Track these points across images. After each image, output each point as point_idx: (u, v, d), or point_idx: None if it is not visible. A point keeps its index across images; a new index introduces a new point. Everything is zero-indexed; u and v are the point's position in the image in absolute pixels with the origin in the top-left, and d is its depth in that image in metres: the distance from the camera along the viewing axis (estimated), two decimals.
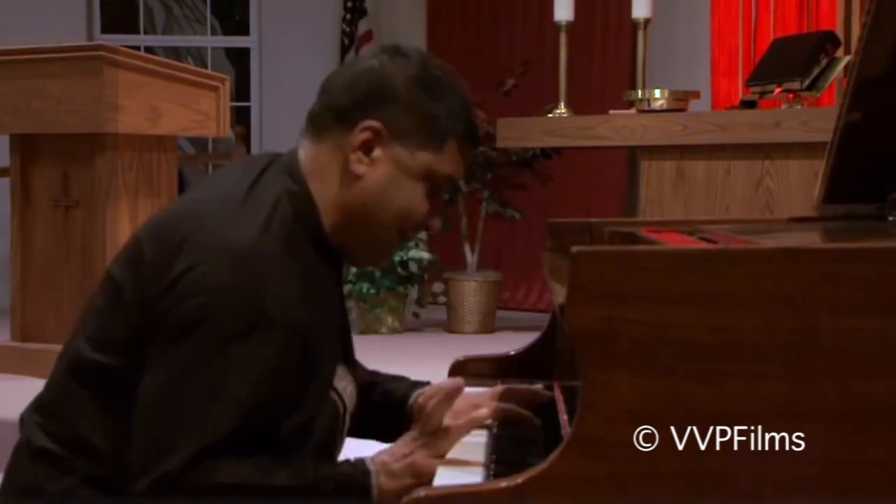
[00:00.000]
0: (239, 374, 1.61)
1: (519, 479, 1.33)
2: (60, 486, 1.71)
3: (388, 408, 1.99)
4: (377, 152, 1.74)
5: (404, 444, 1.73)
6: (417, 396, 1.95)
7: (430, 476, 1.65)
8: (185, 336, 1.61)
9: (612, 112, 5.34)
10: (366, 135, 1.73)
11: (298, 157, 1.78)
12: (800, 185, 4.59)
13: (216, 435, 1.60)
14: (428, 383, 2.00)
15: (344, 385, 1.82)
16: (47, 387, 1.81)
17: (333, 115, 1.76)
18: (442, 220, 1.85)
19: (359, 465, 1.69)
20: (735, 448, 1.31)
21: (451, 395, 1.74)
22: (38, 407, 1.79)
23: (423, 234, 7.13)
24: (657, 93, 5.17)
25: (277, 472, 1.63)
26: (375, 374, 2.04)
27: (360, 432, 1.99)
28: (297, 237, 1.70)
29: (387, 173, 1.74)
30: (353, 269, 6.34)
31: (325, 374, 1.75)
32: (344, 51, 8.31)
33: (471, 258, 6.88)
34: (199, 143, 8.75)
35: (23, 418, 1.81)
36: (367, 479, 1.67)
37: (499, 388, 2.00)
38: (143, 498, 1.60)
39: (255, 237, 1.65)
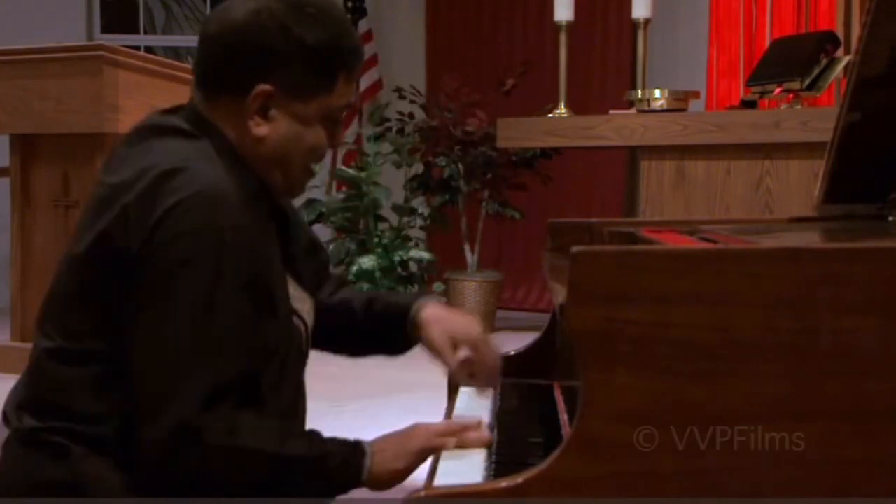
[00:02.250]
0: (231, 315, 1.64)
1: (519, 479, 1.33)
2: (60, 472, 1.70)
3: (389, 321, 2.01)
4: (273, 112, 1.77)
5: (403, 431, 1.75)
6: (419, 309, 1.98)
7: (422, 458, 1.69)
8: (173, 280, 1.63)
9: (612, 112, 5.34)
10: (258, 101, 1.76)
11: (200, 111, 1.80)
12: (800, 185, 4.59)
13: (226, 376, 1.63)
14: (426, 296, 2.05)
15: (300, 306, 1.86)
16: (24, 376, 1.82)
17: (219, 82, 1.79)
18: (341, 135, 1.88)
19: (358, 445, 1.71)
20: (735, 448, 1.31)
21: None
22: (19, 397, 1.80)
23: (421, 235, 7.13)
24: (657, 93, 5.17)
25: (290, 441, 1.67)
26: (370, 292, 2.08)
27: (364, 349, 2.06)
28: (238, 180, 1.73)
29: (286, 128, 1.78)
30: (354, 269, 6.33)
31: (286, 302, 1.79)
32: None
33: (471, 258, 6.87)
34: None
35: (6, 412, 1.81)
36: (362, 458, 1.69)
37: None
38: (161, 445, 1.61)
39: (214, 177, 1.69)
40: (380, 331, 2.02)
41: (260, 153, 1.78)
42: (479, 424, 1.73)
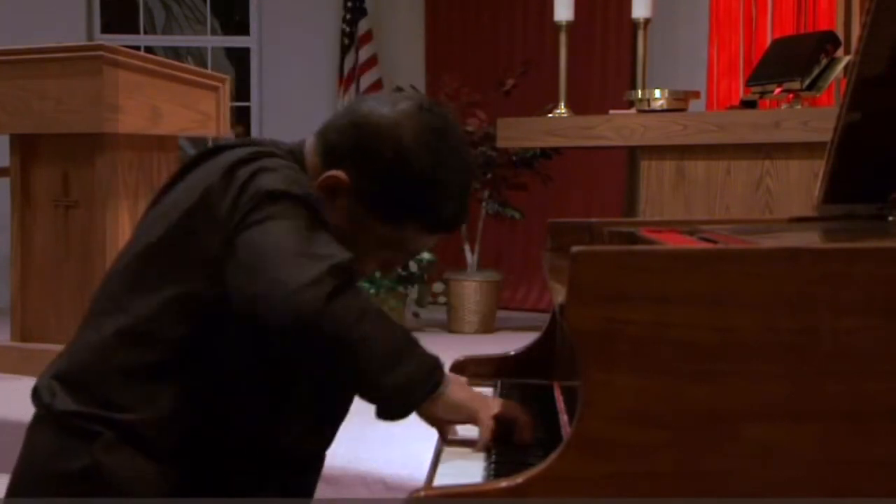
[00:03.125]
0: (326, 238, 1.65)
1: (519, 479, 1.33)
2: (84, 460, 1.70)
3: None
4: (339, 201, 1.78)
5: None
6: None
7: (488, 413, 1.67)
8: (265, 215, 1.64)
9: (612, 112, 5.34)
10: (328, 181, 1.78)
11: (304, 153, 1.83)
12: (800, 185, 4.59)
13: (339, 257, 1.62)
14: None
15: None
16: (69, 358, 1.80)
17: (323, 145, 1.81)
18: (396, 272, 1.88)
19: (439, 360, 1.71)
20: (735, 448, 1.31)
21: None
22: (61, 378, 1.79)
23: None
24: (657, 93, 5.17)
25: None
26: None
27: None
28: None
29: (342, 221, 1.78)
30: None
31: None
32: (344, 51, 8.30)
33: (471, 258, 6.87)
34: (199, 143, 8.76)
35: (39, 390, 1.80)
36: (442, 370, 1.67)
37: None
38: (323, 279, 1.57)
39: (292, 173, 1.72)
40: None
41: None
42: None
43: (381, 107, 1.80)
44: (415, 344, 1.66)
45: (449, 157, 1.77)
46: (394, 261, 1.86)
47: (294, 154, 1.82)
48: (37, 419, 1.79)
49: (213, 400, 1.71)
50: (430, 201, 1.77)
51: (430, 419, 1.68)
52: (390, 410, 1.64)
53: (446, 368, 2.18)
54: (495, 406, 1.71)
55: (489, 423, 1.68)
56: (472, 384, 2.07)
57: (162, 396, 1.71)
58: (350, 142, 1.77)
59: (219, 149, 1.83)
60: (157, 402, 1.71)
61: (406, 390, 1.62)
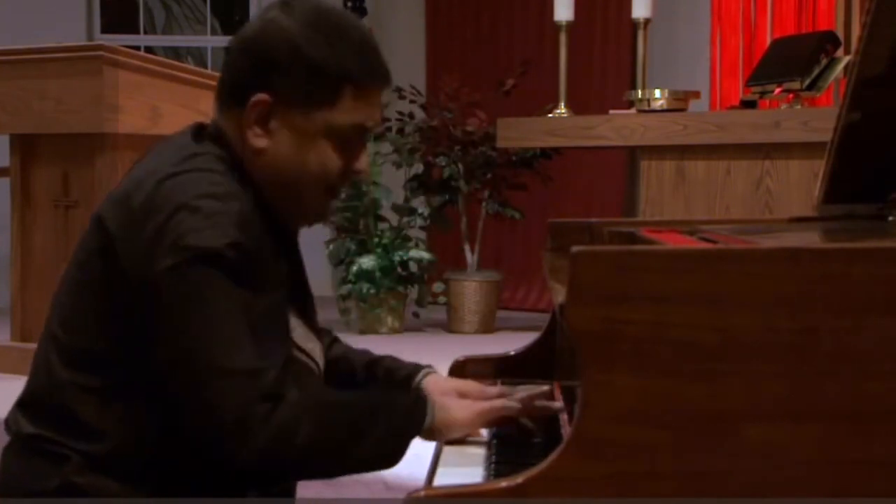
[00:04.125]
0: (247, 309, 1.63)
1: (519, 479, 1.33)
2: (56, 478, 1.70)
3: (390, 387, 2.00)
4: (273, 123, 1.75)
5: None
6: (424, 376, 1.97)
7: (485, 419, 1.74)
8: (181, 287, 1.61)
9: (612, 112, 5.34)
10: (255, 109, 1.75)
11: (218, 126, 1.80)
12: (800, 185, 4.59)
13: (278, 354, 1.63)
14: (429, 366, 2.03)
15: (311, 346, 1.85)
16: (28, 386, 1.80)
17: (228, 93, 1.78)
18: (369, 163, 1.85)
19: (420, 391, 1.77)
20: (735, 448, 1.31)
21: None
22: (22, 402, 1.79)
23: (421, 235, 7.14)
24: (657, 93, 5.17)
25: (355, 392, 1.71)
26: (366, 352, 2.05)
27: None
28: (244, 195, 1.71)
29: (287, 140, 1.75)
30: (354, 269, 6.33)
31: (284, 319, 1.76)
32: None
33: (471, 258, 6.87)
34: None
35: (7, 420, 1.80)
36: (425, 403, 1.71)
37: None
38: (241, 431, 1.58)
39: (214, 188, 1.67)
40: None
41: (264, 170, 1.76)
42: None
43: (253, 22, 1.81)
44: (376, 406, 1.68)
45: (331, 26, 1.77)
46: (354, 153, 1.79)
47: (211, 136, 1.78)
48: (9, 444, 1.79)
49: (169, 419, 1.67)
50: (345, 62, 1.74)
51: (452, 429, 1.74)
52: (379, 468, 1.70)
53: (446, 369, 2.20)
54: (481, 403, 1.78)
55: (507, 407, 1.75)
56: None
57: (117, 420, 1.68)
58: (248, 67, 1.76)
59: (164, 140, 1.82)
60: (114, 426, 1.68)
61: (382, 454, 1.67)
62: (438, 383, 1.95)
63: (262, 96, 1.74)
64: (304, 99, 1.74)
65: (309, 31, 1.74)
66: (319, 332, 1.93)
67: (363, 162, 1.80)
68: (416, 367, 2.02)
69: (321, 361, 1.87)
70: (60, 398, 1.72)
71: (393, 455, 1.67)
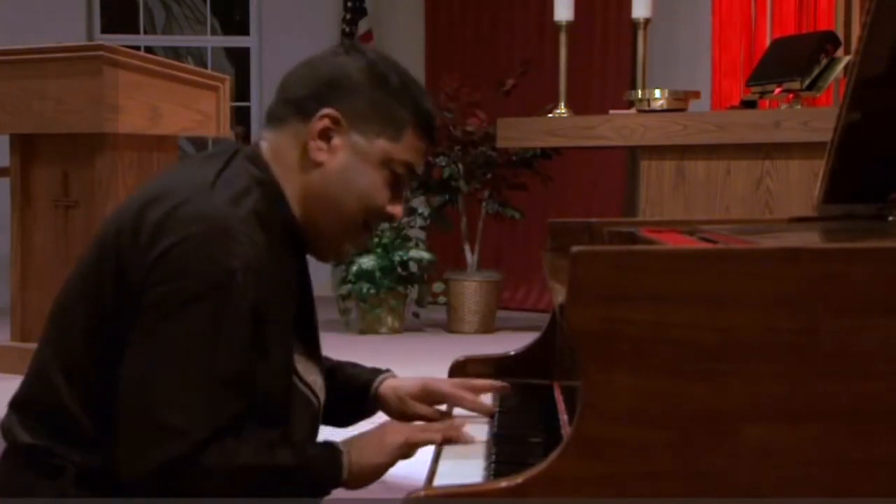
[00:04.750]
0: (232, 354, 1.62)
1: (519, 479, 1.33)
2: (52, 491, 1.70)
3: (350, 394, 2.01)
4: (336, 140, 1.77)
5: (378, 429, 1.78)
6: (381, 381, 1.99)
7: (403, 452, 1.73)
8: (173, 314, 1.61)
9: (612, 112, 5.34)
10: (324, 122, 1.76)
11: (261, 148, 1.80)
12: (800, 185, 4.59)
13: (225, 415, 1.62)
14: (388, 370, 2.04)
15: (314, 378, 1.85)
16: (23, 385, 1.80)
17: (292, 106, 1.79)
18: (404, 210, 1.87)
19: (333, 445, 1.73)
20: (735, 448, 1.31)
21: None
22: (17, 405, 1.79)
23: (421, 235, 7.13)
24: (657, 93, 5.17)
25: (279, 450, 1.66)
26: (328, 358, 2.04)
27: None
28: (266, 220, 1.71)
29: (346, 160, 1.77)
30: (354, 269, 6.33)
31: (285, 354, 1.76)
32: None
33: (471, 258, 6.87)
34: (199, 143, 8.76)
35: (2, 425, 1.80)
36: (339, 457, 1.70)
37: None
38: (154, 479, 1.60)
39: (231, 216, 1.67)
40: (337, 401, 1.98)
41: (313, 185, 1.77)
42: (459, 425, 1.79)
43: (320, 55, 1.84)
44: (287, 476, 1.67)
45: (397, 71, 1.83)
46: (399, 192, 1.82)
47: (249, 156, 1.78)
48: (5, 454, 1.78)
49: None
50: (412, 99, 1.80)
51: (373, 476, 1.74)
52: None
53: (446, 369, 2.20)
54: (402, 429, 1.78)
55: (425, 437, 1.76)
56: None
57: (109, 435, 1.67)
58: (318, 83, 1.78)
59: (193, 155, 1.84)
60: (107, 441, 1.67)
61: (323, 489, 1.70)
62: (396, 388, 1.98)
63: (331, 111, 1.76)
64: (372, 124, 1.77)
65: (386, 65, 1.81)
66: (321, 361, 1.93)
67: (400, 210, 1.84)
68: (375, 373, 2.03)
69: (322, 395, 1.88)
70: (57, 405, 1.71)
71: None
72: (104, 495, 1.68)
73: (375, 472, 1.73)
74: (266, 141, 1.80)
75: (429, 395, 1.97)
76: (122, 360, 1.65)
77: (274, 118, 1.81)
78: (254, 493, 1.64)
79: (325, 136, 1.77)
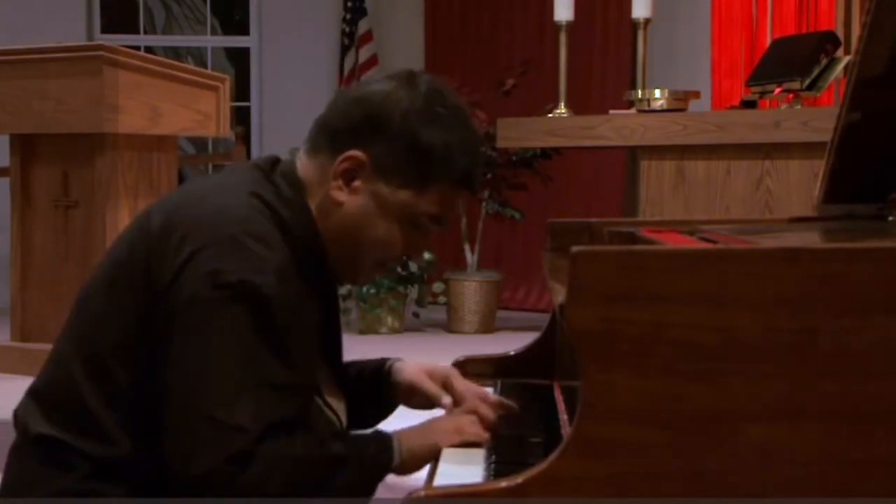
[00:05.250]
0: (275, 356, 1.63)
1: (519, 479, 1.33)
2: (62, 485, 1.70)
3: (365, 382, 2.01)
4: (357, 183, 1.75)
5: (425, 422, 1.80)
6: (392, 363, 2.00)
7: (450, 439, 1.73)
8: (211, 320, 1.61)
9: (612, 112, 5.34)
10: (346, 164, 1.74)
11: (297, 167, 1.80)
12: (800, 185, 4.59)
13: (279, 413, 1.62)
14: (396, 358, 2.05)
15: (337, 403, 1.86)
16: (44, 376, 1.80)
17: (326, 136, 1.78)
18: (424, 253, 1.86)
19: (383, 432, 1.75)
20: (735, 448, 1.31)
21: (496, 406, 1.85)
22: (34, 394, 1.79)
23: None
24: (657, 93, 5.17)
25: (329, 442, 1.68)
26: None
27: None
28: (294, 237, 1.72)
29: (364, 205, 1.76)
30: None
31: (310, 365, 1.75)
32: (344, 51, 8.31)
33: (471, 258, 6.87)
34: (199, 143, 8.76)
35: (17, 413, 1.80)
36: (391, 442, 1.71)
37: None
38: (215, 477, 1.58)
39: (261, 229, 1.67)
40: (354, 395, 1.98)
41: (331, 221, 1.76)
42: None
43: (375, 83, 1.80)
44: (344, 459, 1.67)
45: (451, 113, 1.76)
46: (419, 240, 1.80)
47: (283, 173, 1.78)
48: (15, 446, 1.78)
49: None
50: (448, 156, 1.74)
51: (408, 474, 1.75)
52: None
53: (446, 364, 2.20)
54: (448, 423, 1.79)
55: (462, 436, 1.74)
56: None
57: (129, 425, 1.68)
58: (356, 120, 1.74)
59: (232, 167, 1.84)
60: (125, 435, 1.68)
61: (352, 491, 1.68)
62: (406, 368, 1.99)
63: (358, 154, 1.74)
64: (397, 174, 1.74)
65: (427, 110, 1.74)
66: (344, 388, 1.93)
67: (421, 252, 1.83)
68: (382, 359, 2.04)
69: (344, 418, 1.89)
70: (76, 396, 1.71)
71: (363, 494, 1.70)
72: (117, 492, 1.68)
73: (426, 452, 1.73)
74: (300, 160, 1.80)
75: (444, 385, 1.95)
76: (149, 359, 1.65)
77: (311, 141, 1.80)
78: (312, 484, 1.64)
79: (346, 176, 1.75)
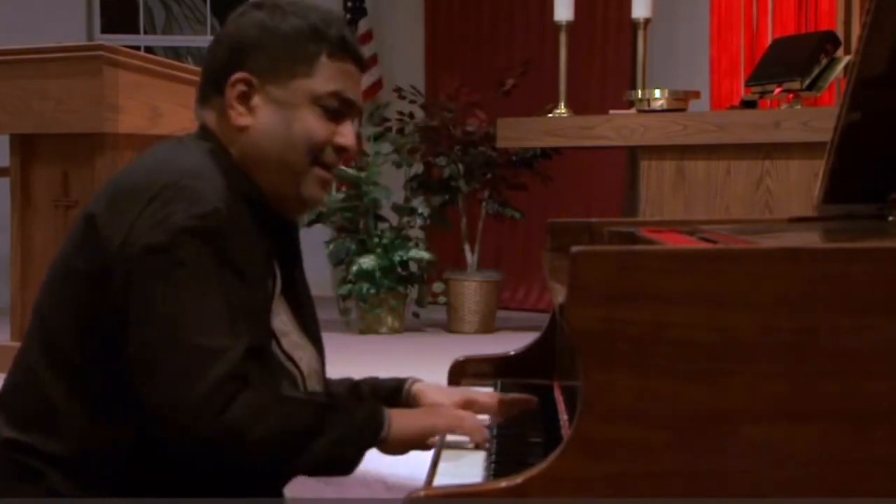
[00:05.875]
0: (239, 284, 1.65)
1: (519, 479, 1.33)
2: (35, 493, 1.68)
3: (381, 399, 1.99)
4: (255, 100, 1.79)
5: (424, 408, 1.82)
6: (412, 384, 1.97)
7: (440, 430, 1.72)
8: (171, 261, 1.62)
9: (612, 112, 5.34)
10: (235, 89, 1.78)
11: (205, 126, 1.84)
12: (800, 185, 4.59)
13: (254, 336, 1.64)
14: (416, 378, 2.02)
15: (300, 355, 1.83)
16: (6, 380, 1.79)
17: (208, 82, 1.83)
18: (356, 140, 1.85)
19: (378, 404, 1.76)
20: (735, 448, 1.31)
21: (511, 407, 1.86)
22: (2, 400, 1.78)
23: (421, 235, 7.13)
24: (657, 93, 5.17)
25: (316, 395, 1.71)
26: (348, 378, 2.03)
27: None
28: (230, 184, 1.73)
29: (270, 114, 1.78)
30: (354, 269, 6.33)
31: (260, 312, 1.75)
32: None
33: (471, 258, 6.87)
34: None
35: None
36: (382, 413, 1.71)
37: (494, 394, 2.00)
38: (210, 402, 1.58)
39: (199, 171, 1.71)
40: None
41: (251, 149, 1.78)
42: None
43: (225, 23, 1.87)
44: (333, 409, 1.69)
45: (296, 3, 1.82)
46: (339, 127, 1.81)
47: (196, 135, 1.83)
48: None
49: (144, 425, 1.66)
50: (313, 31, 1.78)
51: (396, 453, 1.73)
52: (330, 473, 1.72)
53: (446, 369, 2.20)
54: (448, 410, 1.79)
55: (461, 425, 1.73)
56: (472, 384, 2.08)
57: (93, 427, 1.67)
58: (221, 54, 1.81)
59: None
60: (92, 427, 1.67)
61: (336, 456, 1.66)
62: (430, 391, 1.96)
63: (240, 74, 1.78)
64: (281, 71, 1.78)
65: (277, 11, 1.80)
66: (319, 341, 1.91)
67: (349, 137, 1.82)
68: (402, 380, 2.01)
69: (307, 371, 1.84)
70: (40, 394, 1.71)
71: (348, 460, 1.67)
72: (86, 493, 1.67)
73: (417, 433, 1.71)
74: (201, 120, 1.85)
75: (465, 405, 1.93)
76: (108, 334, 1.65)
77: (200, 98, 1.85)
78: (302, 426, 1.64)
79: (242, 99, 1.79)
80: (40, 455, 1.69)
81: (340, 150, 1.82)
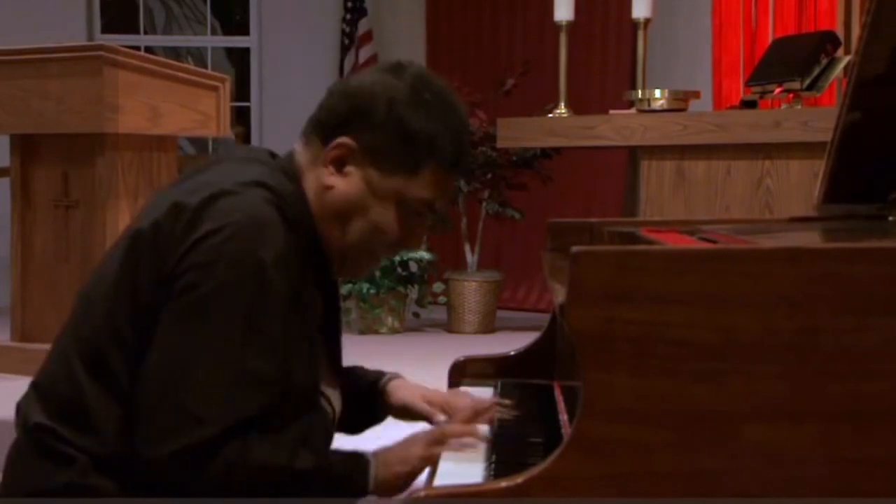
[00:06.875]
0: (264, 349, 1.64)
1: (519, 479, 1.33)
2: (60, 483, 1.70)
3: (358, 393, 2.02)
4: (349, 168, 1.77)
5: (405, 440, 1.77)
6: (388, 380, 2.00)
7: (426, 461, 1.71)
8: (205, 306, 1.62)
9: (612, 112, 5.34)
10: (336, 151, 1.77)
11: (293, 159, 1.82)
12: (800, 185, 4.59)
13: (250, 410, 1.63)
14: (394, 373, 2.04)
15: (331, 392, 1.87)
16: (45, 369, 1.80)
17: (317, 128, 1.81)
18: (422, 241, 1.86)
19: (361, 455, 1.73)
20: (735, 448, 1.31)
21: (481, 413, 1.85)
22: (37, 387, 1.79)
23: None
24: (657, 93, 5.17)
25: (300, 452, 1.67)
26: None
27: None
28: (294, 226, 1.72)
29: (355, 189, 1.77)
30: None
31: (310, 352, 1.76)
32: (344, 51, 8.31)
33: (471, 258, 6.87)
34: (199, 143, 8.76)
35: (20, 405, 1.80)
36: (367, 467, 1.70)
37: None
38: (169, 464, 1.61)
39: (267, 212, 1.68)
40: (348, 401, 1.99)
41: (325, 205, 1.78)
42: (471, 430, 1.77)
43: (362, 76, 1.83)
44: (310, 468, 1.68)
45: (437, 99, 1.78)
46: (414, 226, 1.81)
47: (283, 168, 1.81)
48: (16, 441, 1.79)
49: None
50: (435, 141, 1.75)
51: (399, 485, 1.73)
52: None
53: (446, 369, 2.20)
54: (429, 434, 1.77)
55: (441, 438, 1.73)
56: (472, 384, 2.08)
57: (125, 426, 1.68)
58: (344, 110, 1.77)
59: (229, 155, 1.85)
60: (121, 431, 1.68)
61: (349, 497, 1.69)
62: (402, 388, 1.99)
63: (346, 140, 1.76)
64: (387, 160, 1.76)
65: (413, 97, 1.76)
66: (341, 377, 1.94)
67: (417, 241, 1.83)
68: (380, 373, 2.04)
69: (338, 407, 1.90)
70: (76, 392, 1.71)
71: None
72: (112, 488, 1.68)
73: (401, 480, 1.72)
74: (296, 153, 1.83)
75: (444, 408, 1.95)
76: (145, 349, 1.66)
77: (305, 133, 1.83)
78: (271, 493, 1.65)
79: (337, 163, 1.77)
80: (73, 445, 1.71)
81: (402, 250, 1.83)
